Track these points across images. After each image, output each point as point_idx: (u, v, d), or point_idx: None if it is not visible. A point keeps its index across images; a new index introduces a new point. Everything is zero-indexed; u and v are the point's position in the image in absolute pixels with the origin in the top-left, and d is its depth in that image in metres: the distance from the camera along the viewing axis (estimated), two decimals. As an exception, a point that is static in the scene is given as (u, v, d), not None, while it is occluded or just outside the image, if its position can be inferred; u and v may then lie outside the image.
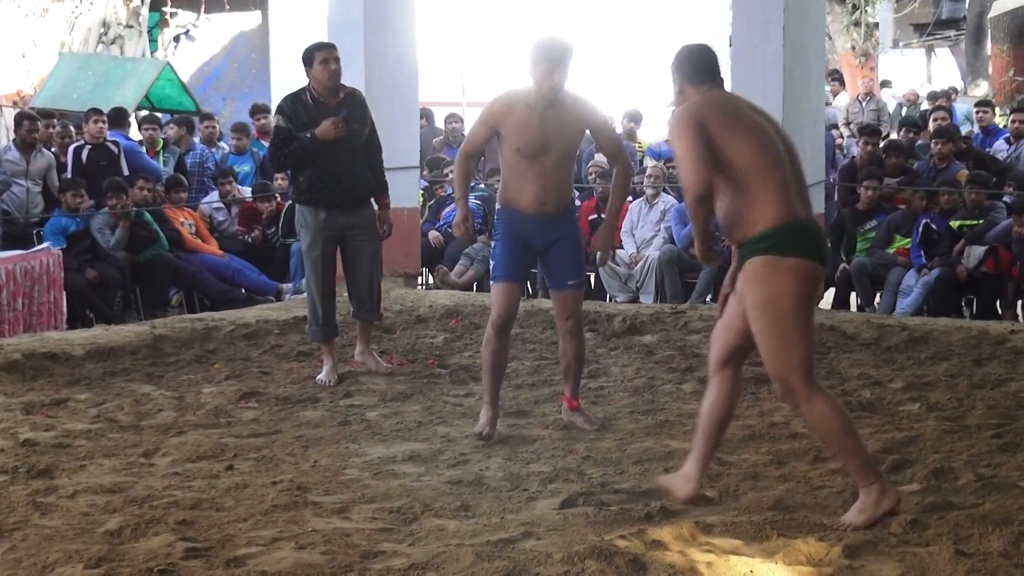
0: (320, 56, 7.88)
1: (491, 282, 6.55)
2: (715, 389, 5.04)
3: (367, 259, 8.05)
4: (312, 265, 8.03)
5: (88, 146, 12.53)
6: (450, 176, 12.48)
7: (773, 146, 4.82)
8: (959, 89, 22.89)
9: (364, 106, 8.07)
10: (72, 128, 13.72)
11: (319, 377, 7.91)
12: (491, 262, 6.58)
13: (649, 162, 13.73)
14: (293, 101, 7.99)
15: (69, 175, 12.37)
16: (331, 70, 7.87)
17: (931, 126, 13.36)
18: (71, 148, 12.70)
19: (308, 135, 7.79)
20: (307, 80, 7.97)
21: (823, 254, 4.84)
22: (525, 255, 6.50)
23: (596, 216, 12.38)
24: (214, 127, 14.69)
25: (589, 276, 12.51)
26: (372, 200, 8.13)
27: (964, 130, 15.48)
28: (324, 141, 7.79)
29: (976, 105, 15.56)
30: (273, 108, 17.62)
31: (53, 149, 12.72)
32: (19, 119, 12.39)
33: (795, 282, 4.73)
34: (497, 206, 6.57)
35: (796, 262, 4.73)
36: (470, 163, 6.59)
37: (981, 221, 10.98)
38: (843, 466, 4.94)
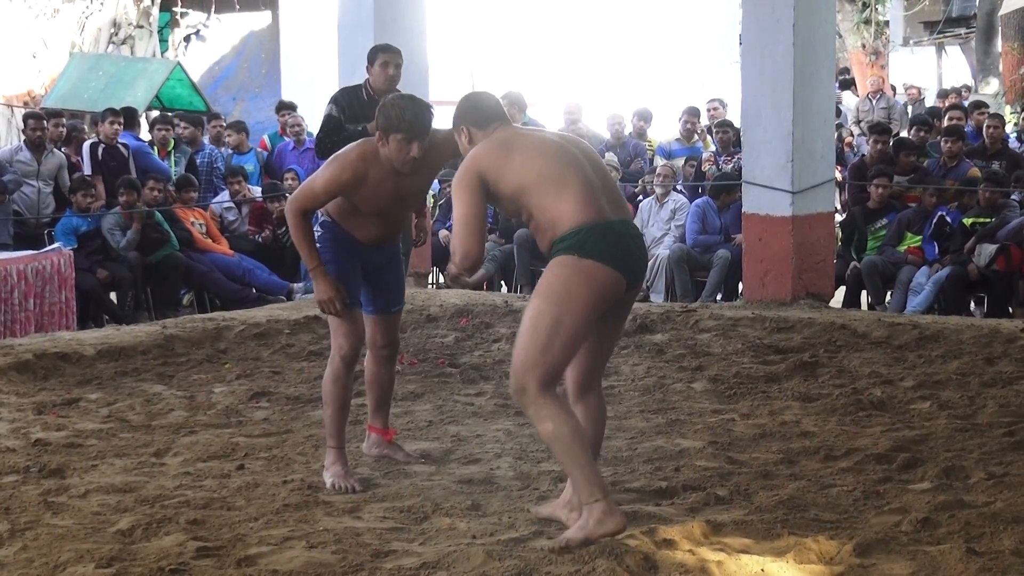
0: (382, 58, 8.01)
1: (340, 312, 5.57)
2: (582, 414, 4.80)
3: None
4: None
5: (102, 145, 12.57)
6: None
7: (562, 154, 4.64)
8: (971, 87, 22.84)
9: None
10: (84, 127, 13.76)
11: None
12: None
13: (659, 161, 13.72)
14: (348, 94, 8.12)
15: (88, 172, 12.43)
16: (388, 74, 7.98)
17: (945, 123, 13.34)
18: (87, 145, 12.75)
19: (359, 127, 7.81)
20: (365, 76, 8.14)
21: (625, 261, 4.56)
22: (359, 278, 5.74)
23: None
24: (221, 127, 14.74)
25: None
26: None
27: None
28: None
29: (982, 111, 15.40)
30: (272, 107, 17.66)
31: (64, 149, 12.75)
32: (25, 118, 12.44)
33: (586, 285, 4.49)
34: (325, 219, 5.62)
35: (592, 265, 4.50)
36: (309, 220, 5.49)
37: (993, 220, 10.96)
38: (568, 477, 4.61)
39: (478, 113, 4.87)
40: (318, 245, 5.50)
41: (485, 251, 4.78)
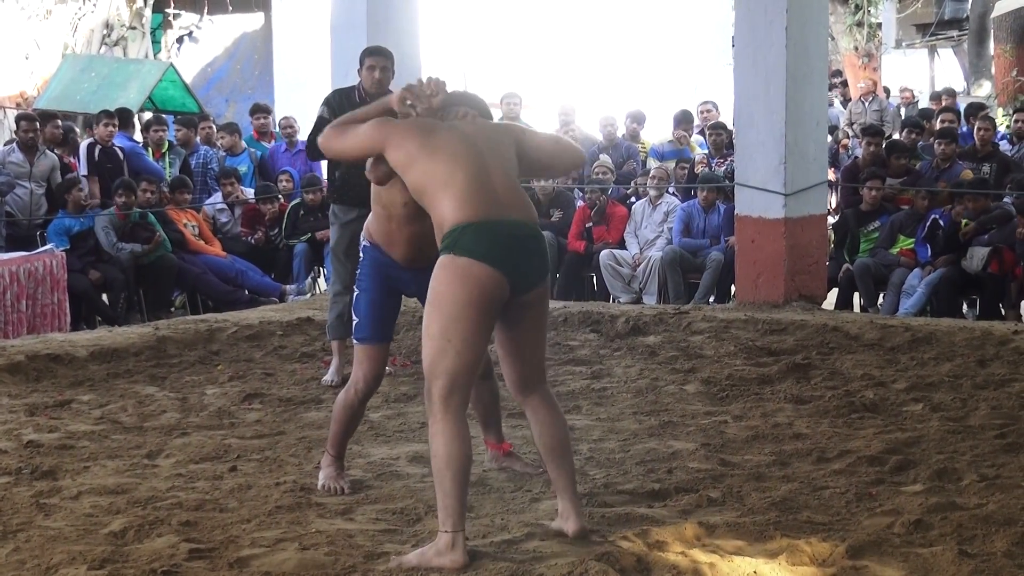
0: (368, 62, 7.95)
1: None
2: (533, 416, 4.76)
3: None
4: (336, 263, 8.18)
5: (99, 146, 12.57)
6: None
7: (457, 153, 4.56)
8: (954, 92, 22.82)
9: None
10: (76, 129, 13.75)
11: (324, 378, 7.95)
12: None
13: (652, 163, 13.71)
14: (340, 96, 8.08)
15: (84, 172, 12.43)
16: (375, 78, 7.90)
17: (937, 126, 13.35)
18: (84, 145, 12.75)
19: None
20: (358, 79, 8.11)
21: (507, 259, 4.44)
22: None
23: (590, 224, 12.40)
24: (211, 127, 14.73)
25: (592, 277, 12.53)
26: None
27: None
28: None
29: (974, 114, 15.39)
30: (275, 109, 17.68)
31: (57, 151, 12.74)
32: (18, 120, 12.43)
33: (460, 284, 4.39)
34: (366, 243, 5.54)
35: (466, 263, 4.39)
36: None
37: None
38: (437, 501, 4.47)
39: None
40: (359, 271, 5.49)
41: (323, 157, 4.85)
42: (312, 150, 8.33)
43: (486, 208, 4.48)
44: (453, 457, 4.40)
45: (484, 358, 4.59)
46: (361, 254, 5.54)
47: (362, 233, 5.55)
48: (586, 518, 4.74)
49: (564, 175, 5.72)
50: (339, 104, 8.01)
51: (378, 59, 7.94)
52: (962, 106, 16.80)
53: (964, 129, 14.31)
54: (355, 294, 5.45)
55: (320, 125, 8.12)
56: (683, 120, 14.26)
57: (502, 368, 4.76)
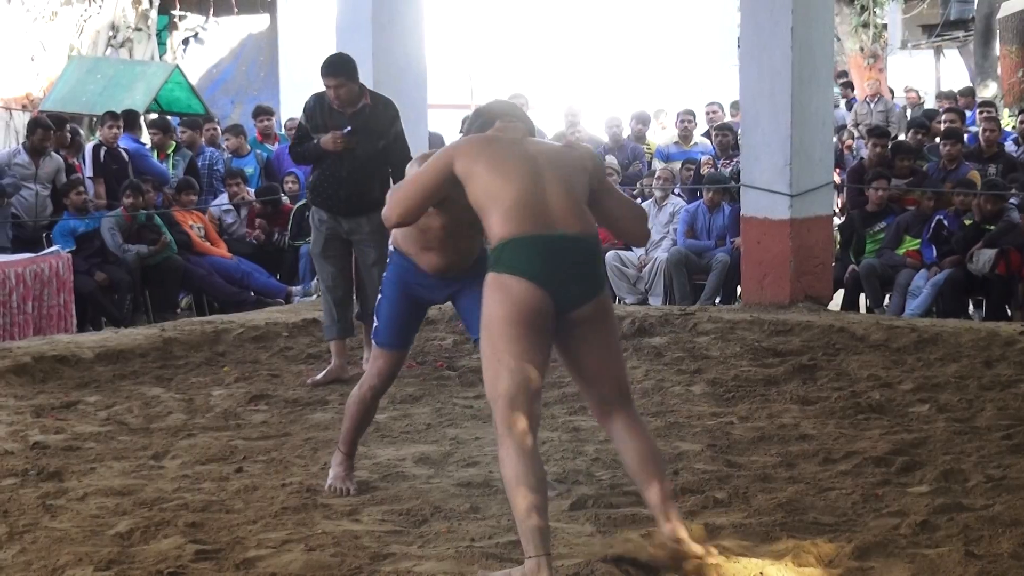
0: (324, 82, 7.92)
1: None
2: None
3: (369, 266, 8.06)
4: (317, 264, 8.31)
5: (104, 148, 12.58)
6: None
7: (516, 168, 4.46)
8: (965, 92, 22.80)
9: (384, 118, 8.01)
10: (80, 131, 13.75)
11: (314, 378, 7.99)
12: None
13: (658, 164, 13.72)
14: (316, 102, 8.09)
15: (90, 174, 12.43)
16: (335, 96, 7.88)
17: (942, 127, 13.34)
18: (89, 147, 12.77)
19: (316, 141, 7.93)
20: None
21: (550, 275, 4.32)
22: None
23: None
24: (215, 129, 14.74)
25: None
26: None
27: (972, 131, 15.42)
28: (325, 151, 7.93)
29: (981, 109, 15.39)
30: (281, 111, 17.70)
31: (62, 152, 12.74)
32: (33, 126, 12.37)
33: (502, 301, 4.31)
34: (392, 250, 5.57)
35: (507, 279, 4.31)
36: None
37: (994, 227, 10.95)
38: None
39: (480, 119, 4.85)
40: (384, 276, 5.49)
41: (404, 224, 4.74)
42: (292, 154, 8.48)
43: (532, 223, 4.37)
44: (521, 480, 4.18)
45: (542, 374, 4.40)
46: (388, 260, 5.55)
47: (389, 239, 5.53)
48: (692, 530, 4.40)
49: (622, 239, 5.44)
50: (312, 110, 8.05)
51: (329, 80, 7.85)
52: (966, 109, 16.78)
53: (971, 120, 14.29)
54: (379, 298, 5.49)
55: (298, 131, 8.28)
56: (687, 114, 14.37)
57: (583, 394, 4.59)
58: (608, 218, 4.72)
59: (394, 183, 7.96)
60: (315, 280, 12.63)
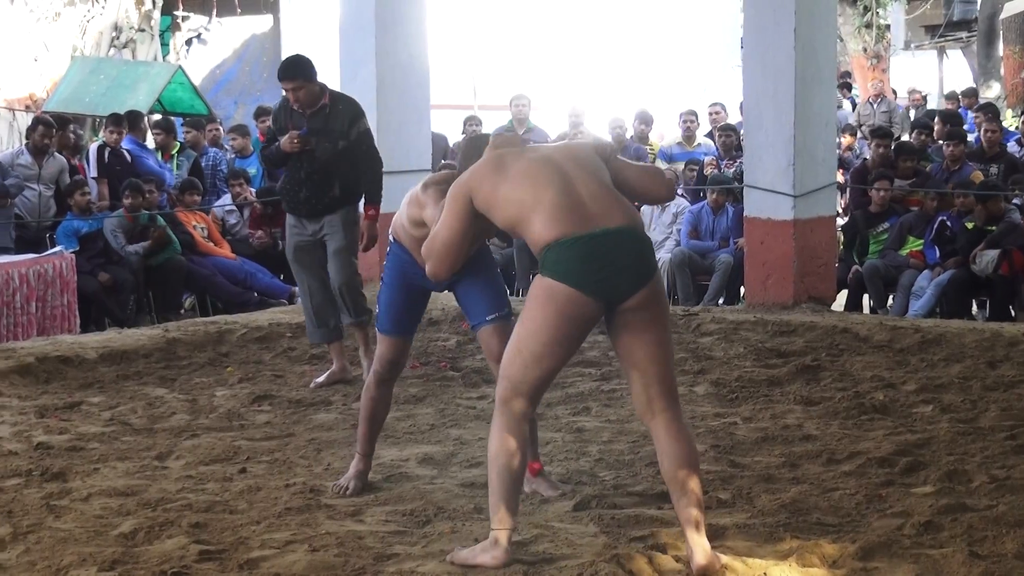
0: (281, 85, 7.88)
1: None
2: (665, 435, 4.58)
3: (334, 251, 7.96)
4: (292, 269, 8.29)
5: (108, 149, 12.59)
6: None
7: (540, 176, 4.51)
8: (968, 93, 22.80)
9: (345, 118, 7.86)
10: (81, 132, 13.76)
11: (317, 380, 7.98)
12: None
13: (661, 165, 13.72)
14: (281, 105, 8.11)
15: (94, 174, 12.44)
16: (294, 98, 7.81)
17: (937, 130, 13.33)
18: (94, 147, 12.78)
19: (278, 144, 7.95)
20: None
21: (593, 274, 4.37)
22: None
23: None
24: (218, 130, 14.74)
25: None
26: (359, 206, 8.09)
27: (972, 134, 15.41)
28: (286, 152, 7.90)
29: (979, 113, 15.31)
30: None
31: (63, 152, 12.75)
32: (35, 124, 12.39)
33: (541, 303, 4.41)
34: (392, 242, 5.54)
35: (550, 284, 4.40)
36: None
37: (996, 227, 10.95)
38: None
39: (475, 150, 4.85)
40: (384, 265, 5.54)
41: (453, 272, 4.75)
42: (262, 158, 8.57)
43: (573, 223, 4.40)
44: (498, 456, 4.43)
45: (556, 372, 4.53)
46: (388, 250, 5.56)
47: (390, 230, 5.54)
48: (713, 554, 4.33)
49: (651, 204, 5.46)
50: (277, 113, 8.11)
51: (286, 83, 7.80)
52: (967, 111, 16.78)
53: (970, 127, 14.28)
54: (380, 285, 5.55)
55: (268, 134, 8.31)
56: (690, 115, 14.37)
57: (630, 388, 4.58)
58: (632, 192, 4.78)
59: (365, 185, 7.95)
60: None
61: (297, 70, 7.83)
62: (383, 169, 8.14)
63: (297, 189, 7.99)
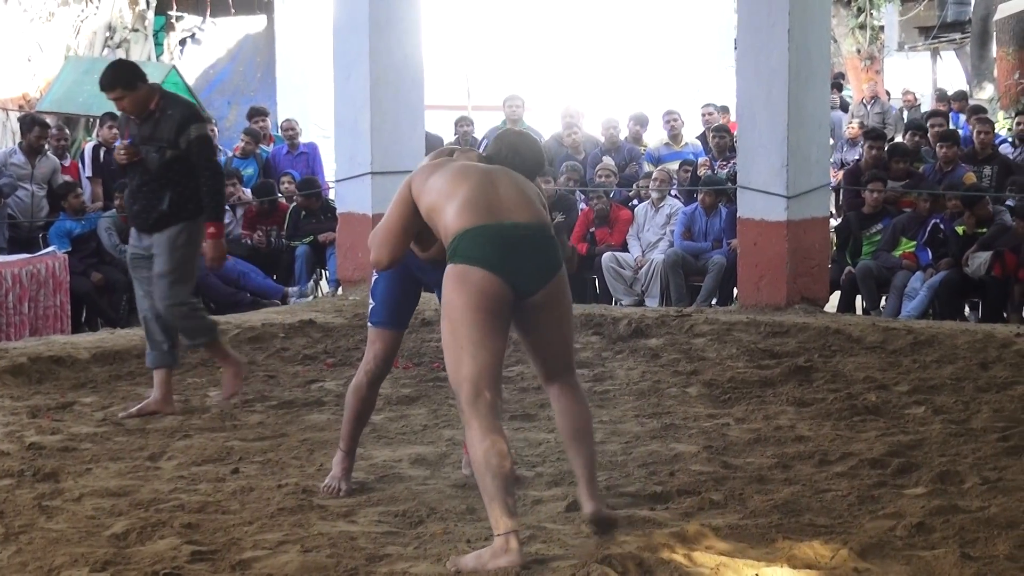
0: (106, 97, 7.49)
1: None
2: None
3: (156, 275, 7.30)
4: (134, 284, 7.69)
5: (103, 148, 12.58)
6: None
7: (468, 172, 4.73)
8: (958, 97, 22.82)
9: (173, 125, 7.21)
10: (67, 132, 13.74)
11: (128, 411, 7.21)
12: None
13: (647, 167, 13.70)
14: (120, 117, 7.86)
15: (89, 174, 12.43)
16: (121, 107, 7.46)
17: (930, 132, 13.33)
18: (89, 147, 12.78)
19: None
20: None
21: (504, 261, 4.52)
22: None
23: (593, 229, 12.41)
24: (212, 130, 14.72)
25: (594, 279, 12.52)
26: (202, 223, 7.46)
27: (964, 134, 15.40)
28: (120, 163, 7.54)
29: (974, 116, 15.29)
30: (278, 111, 17.66)
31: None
32: (30, 124, 12.36)
33: (460, 289, 4.51)
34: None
35: (464, 269, 4.52)
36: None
37: (987, 229, 10.96)
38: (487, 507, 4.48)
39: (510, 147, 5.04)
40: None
41: (396, 261, 4.93)
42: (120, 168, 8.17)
43: (484, 214, 4.60)
44: (489, 459, 4.42)
45: (501, 358, 4.61)
46: None
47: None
48: (605, 503, 4.73)
49: None
50: (120, 121, 7.86)
51: (106, 94, 7.35)
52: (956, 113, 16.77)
53: (964, 131, 14.28)
54: (374, 278, 5.48)
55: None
56: (671, 114, 14.30)
57: (529, 361, 4.82)
58: None
59: (204, 200, 7.31)
60: (311, 281, 12.65)
61: (116, 79, 7.24)
62: (225, 182, 7.66)
63: (131, 201, 7.44)
